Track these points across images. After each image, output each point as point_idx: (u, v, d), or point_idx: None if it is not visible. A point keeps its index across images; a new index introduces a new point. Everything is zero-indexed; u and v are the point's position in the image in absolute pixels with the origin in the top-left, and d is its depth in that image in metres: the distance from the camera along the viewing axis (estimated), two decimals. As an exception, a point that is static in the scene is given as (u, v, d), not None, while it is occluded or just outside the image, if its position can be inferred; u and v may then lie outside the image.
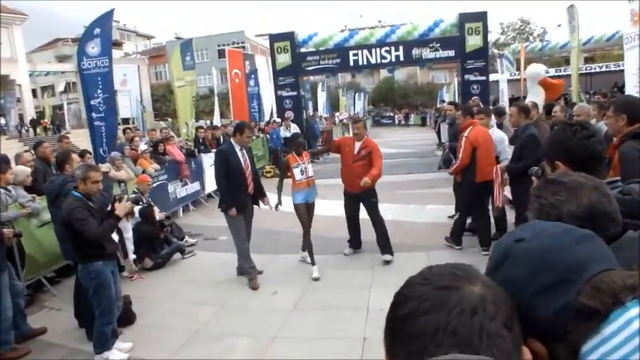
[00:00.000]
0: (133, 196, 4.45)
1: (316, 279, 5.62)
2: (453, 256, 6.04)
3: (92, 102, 8.33)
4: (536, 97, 8.48)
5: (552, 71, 26.07)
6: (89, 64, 8.30)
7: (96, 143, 8.36)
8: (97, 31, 8.37)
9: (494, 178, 5.76)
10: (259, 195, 5.87)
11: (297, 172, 5.83)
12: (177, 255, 6.91)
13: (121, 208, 4.09)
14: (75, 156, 4.64)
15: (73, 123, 35.37)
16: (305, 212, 5.90)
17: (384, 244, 6.01)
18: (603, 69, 25.54)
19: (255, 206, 5.91)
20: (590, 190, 1.07)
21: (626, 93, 8.82)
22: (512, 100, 16.48)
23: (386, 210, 7.76)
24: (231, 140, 5.84)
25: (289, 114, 17.33)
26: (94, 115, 8.37)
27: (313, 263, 5.81)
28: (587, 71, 25.34)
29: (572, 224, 0.87)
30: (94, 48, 8.27)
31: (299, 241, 6.75)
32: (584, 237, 0.78)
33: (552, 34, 28.56)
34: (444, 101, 27.48)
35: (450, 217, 7.87)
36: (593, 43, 24.78)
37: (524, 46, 27.43)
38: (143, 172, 8.30)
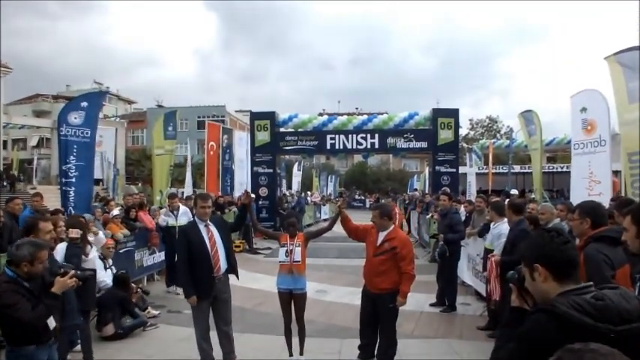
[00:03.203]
0: (82, 273, 3.79)
1: None
2: (421, 347, 6.00)
3: (63, 167, 8.66)
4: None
5: (517, 168, 27.43)
6: (67, 132, 8.66)
7: (64, 205, 8.48)
8: (84, 104, 8.90)
9: (490, 271, 5.90)
10: (232, 271, 5.22)
11: (281, 252, 5.29)
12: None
13: (59, 285, 3.45)
14: (44, 225, 4.17)
15: (40, 179, 34.61)
16: (287, 302, 5.28)
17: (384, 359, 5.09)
18: (565, 169, 26.95)
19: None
20: (620, 356, 1.18)
21: (572, 195, 9.33)
22: (479, 193, 17.11)
23: (353, 294, 7.75)
24: (195, 217, 5.33)
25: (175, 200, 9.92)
26: (63, 179, 8.71)
27: (290, 354, 5.35)
28: (550, 170, 26.65)
29: None
30: (76, 118, 8.73)
31: (266, 319, 6.61)
32: None
33: (518, 133, 30.26)
34: (415, 189, 28.25)
35: (431, 304, 7.90)
36: (555, 144, 26.25)
37: (492, 142, 28.89)
38: (112, 236, 8.13)
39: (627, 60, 6.76)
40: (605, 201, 7.04)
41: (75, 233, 4.53)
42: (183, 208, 9.37)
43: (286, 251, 5.23)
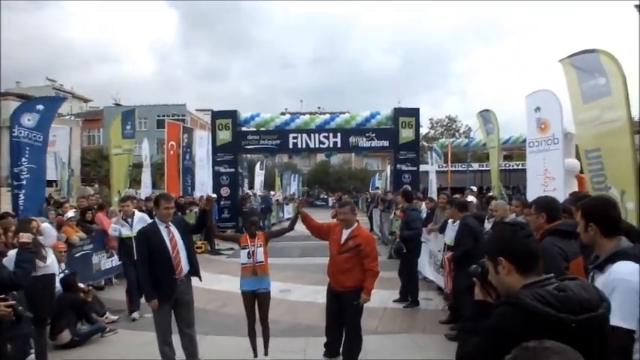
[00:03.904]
0: (22, 310, 3.60)
1: None
2: (385, 342, 6.06)
3: (15, 169, 8.44)
4: (571, 189, 9.06)
5: (476, 166, 28.18)
6: (20, 133, 8.44)
7: (14, 209, 8.15)
8: (40, 107, 8.75)
9: (444, 267, 6.07)
10: (194, 274, 5.12)
11: (243, 254, 5.21)
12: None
13: None
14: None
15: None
16: (251, 303, 5.27)
17: (348, 357, 5.09)
18: (520, 166, 27.93)
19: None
20: (572, 352, 1.22)
21: (528, 192, 9.64)
22: (440, 190, 17.44)
23: (317, 292, 7.76)
24: (155, 218, 5.12)
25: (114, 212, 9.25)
26: (14, 182, 8.47)
27: (255, 355, 5.32)
28: (506, 168, 27.54)
29: None
30: (29, 120, 8.56)
31: (229, 321, 6.52)
32: None
33: (476, 132, 31.11)
34: (377, 188, 28.58)
35: (394, 300, 8.00)
36: (510, 143, 27.11)
37: (451, 141, 29.56)
38: (66, 240, 7.84)
39: (580, 62, 7.01)
40: (559, 196, 7.30)
41: (26, 238, 4.26)
42: (138, 214, 7.84)
43: (248, 253, 5.16)
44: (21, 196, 8.23)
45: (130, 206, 7.82)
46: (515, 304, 1.56)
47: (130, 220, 7.65)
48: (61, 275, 6.37)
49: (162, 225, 4.94)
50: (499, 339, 1.51)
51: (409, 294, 7.92)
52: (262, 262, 5.19)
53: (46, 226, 5.89)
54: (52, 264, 5.19)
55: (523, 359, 1.22)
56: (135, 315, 7.25)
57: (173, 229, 4.97)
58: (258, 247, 5.18)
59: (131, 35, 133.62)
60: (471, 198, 9.17)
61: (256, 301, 5.28)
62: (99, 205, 9.74)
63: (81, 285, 6.74)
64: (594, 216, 2.47)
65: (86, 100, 56.42)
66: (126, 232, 7.59)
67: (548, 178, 9.29)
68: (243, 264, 5.22)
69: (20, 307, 3.49)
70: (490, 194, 13.20)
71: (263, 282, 5.25)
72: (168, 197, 5.36)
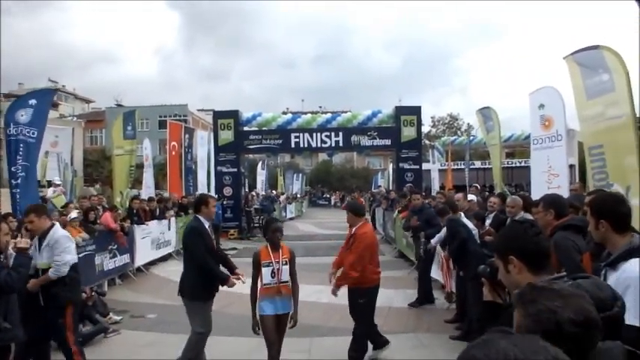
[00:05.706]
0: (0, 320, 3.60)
1: None
2: (391, 341, 6.01)
3: (12, 168, 8.25)
4: None
5: (478, 164, 28.13)
6: (15, 131, 8.24)
7: (14, 209, 8.01)
8: (33, 102, 8.49)
9: (443, 266, 6.07)
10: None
11: (266, 272, 4.36)
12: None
13: None
14: (4, 226, 4.02)
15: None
16: (273, 327, 4.42)
17: (354, 356, 5.09)
18: (522, 164, 27.88)
19: None
20: (581, 298, 1.16)
21: (533, 189, 9.61)
22: (442, 189, 17.40)
23: (321, 292, 7.72)
24: (198, 216, 5.08)
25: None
26: (12, 181, 8.26)
27: None
28: (509, 165, 27.49)
29: (570, 330, 0.96)
30: (23, 115, 8.30)
31: (233, 321, 6.49)
32: None
33: (478, 130, 31.03)
34: (380, 186, 28.52)
35: (410, 304, 7.84)
36: (513, 140, 27.07)
37: (453, 139, 29.52)
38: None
39: (583, 59, 6.98)
40: (563, 193, 7.27)
41: (24, 243, 4.16)
42: (57, 233, 4.63)
43: (272, 271, 4.38)
44: (17, 195, 8.06)
45: (34, 222, 4.59)
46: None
47: (42, 241, 4.59)
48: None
49: (207, 223, 5.08)
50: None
51: (419, 291, 7.86)
52: (287, 281, 4.48)
53: None
54: None
55: None
56: None
57: (211, 230, 5.20)
58: (284, 265, 4.43)
59: (134, 36, 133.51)
60: (471, 197, 9.11)
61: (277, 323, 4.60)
62: (110, 206, 9.74)
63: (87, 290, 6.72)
64: (605, 212, 2.44)
65: (88, 101, 56.53)
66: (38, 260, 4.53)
67: (553, 175, 9.25)
68: (265, 285, 4.39)
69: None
70: (494, 192, 13.13)
71: (286, 304, 4.53)
72: (214, 197, 5.74)
